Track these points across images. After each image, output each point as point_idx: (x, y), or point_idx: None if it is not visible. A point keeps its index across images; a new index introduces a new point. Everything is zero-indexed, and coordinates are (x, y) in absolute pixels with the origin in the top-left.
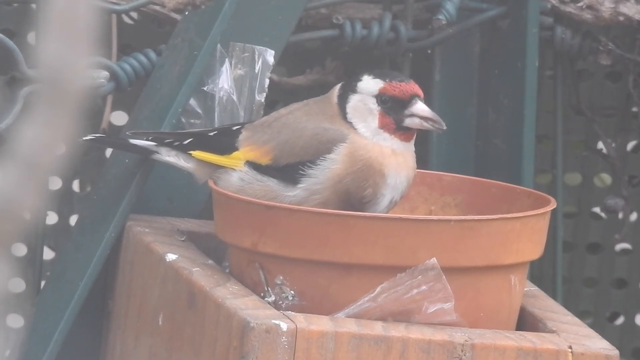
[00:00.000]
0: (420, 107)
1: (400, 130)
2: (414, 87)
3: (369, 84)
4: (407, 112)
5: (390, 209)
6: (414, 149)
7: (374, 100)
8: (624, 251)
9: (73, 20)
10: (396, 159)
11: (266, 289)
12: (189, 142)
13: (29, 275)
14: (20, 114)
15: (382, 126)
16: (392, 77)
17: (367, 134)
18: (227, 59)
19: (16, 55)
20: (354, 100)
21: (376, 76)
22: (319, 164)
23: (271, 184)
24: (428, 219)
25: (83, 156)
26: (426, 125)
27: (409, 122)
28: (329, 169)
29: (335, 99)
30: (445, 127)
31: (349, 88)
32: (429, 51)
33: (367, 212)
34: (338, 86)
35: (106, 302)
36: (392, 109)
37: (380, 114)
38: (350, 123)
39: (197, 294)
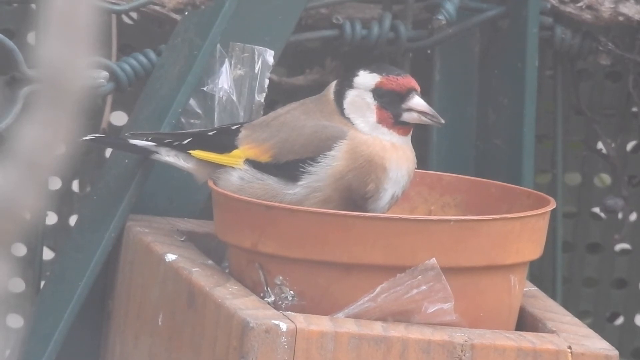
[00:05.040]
0: (417, 102)
1: (398, 124)
2: (411, 81)
3: (366, 79)
4: (404, 106)
5: (391, 205)
6: (410, 143)
7: (371, 94)
8: (623, 251)
9: (73, 20)
10: (396, 152)
11: (266, 289)
12: (188, 142)
13: (29, 275)
14: (20, 114)
15: (380, 121)
16: (388, 71)
17: (366, 129)
18: (226, 59)
19: (16, 55)
20: (351, 96)
21: (373, 71)
22: (320, 161)
23: (271, 182)
24: (428, 219)
25: (83, 156)
26: (424, 119)
27: (406, 116)
28: (330, 166)
29: (331, 96)
30: (443, 122)
31: (346, 84)
32: (429, 51)
33: (369, 208)
34: (334, 83)
35: (106, 302)
36: (390, 103)
37: (377, 108)
38: (348, 119)
39: (197, 294)
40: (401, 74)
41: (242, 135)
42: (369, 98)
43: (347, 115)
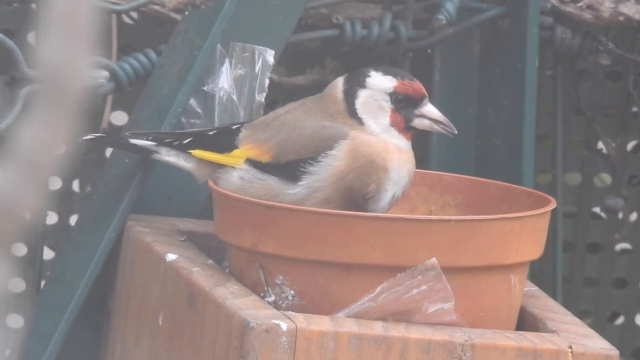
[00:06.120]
0: (431, 109)
1: (407, 129)
2: (422, 87)
3: (380, 81)
4: (417, 112)
5: (392, 205)
6: (410, 145)
7: (388, 97)
8: (624, 251)
9: (73, 20)
10: (399, 154)
11: (266, 289)
12: (188, 142)
13: (29, 275)
14: (20, 114)
15: (393, 124)
16: (402, 75)
17: (377, 130)
18: (227, 59)
19: (16, 55)
20: (363, 96)
21: (385, 73)
22: (321, 161)
23: (272, 182)
24: (428, 219)
25: (83, 156)
26: (436, 127)
27: (417, 122)
28: (331, 165)
29: (340, 95)
30: (456, 132)
31: (356, 83)
32: (429, 51)
33: (369, 208)
34: (340, 82)
35: (106, 302)
36: (405, 107)
37: (392, 111)
38: (360, 119)
39: (197, 294)
40: (413, 79)
41: (243, 135)
42: (384, 100)
43: (360, 115)
